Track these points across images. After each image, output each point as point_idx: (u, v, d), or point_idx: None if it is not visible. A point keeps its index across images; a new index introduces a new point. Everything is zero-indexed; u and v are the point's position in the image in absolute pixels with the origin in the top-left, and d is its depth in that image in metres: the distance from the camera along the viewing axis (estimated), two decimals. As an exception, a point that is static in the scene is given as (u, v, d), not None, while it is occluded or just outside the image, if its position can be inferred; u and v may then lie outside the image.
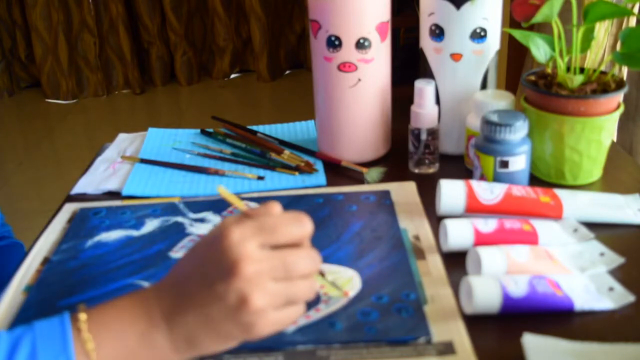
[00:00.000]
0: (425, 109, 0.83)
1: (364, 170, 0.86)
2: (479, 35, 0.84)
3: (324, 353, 0.56)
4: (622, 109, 0.79)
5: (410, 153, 0.87)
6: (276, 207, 0.51)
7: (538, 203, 0.72)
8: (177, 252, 0.72)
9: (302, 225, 0.50)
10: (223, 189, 0.53)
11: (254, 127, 1.02)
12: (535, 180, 0.82)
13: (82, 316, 0.49)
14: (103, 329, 0.49)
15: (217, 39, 3.42)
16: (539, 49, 0.79)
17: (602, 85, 0.78)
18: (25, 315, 0.63)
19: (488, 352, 0.56)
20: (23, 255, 0.74)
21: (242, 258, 0.47)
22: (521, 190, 0.73)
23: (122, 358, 0.49)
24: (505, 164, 0.75)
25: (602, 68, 0.80)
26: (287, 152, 0.92)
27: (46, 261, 0.72)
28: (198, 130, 1.02)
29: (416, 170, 0.87)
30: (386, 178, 0.85)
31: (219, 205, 0.80)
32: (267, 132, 1.00)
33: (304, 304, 0.51)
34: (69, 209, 0.83)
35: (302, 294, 0.49)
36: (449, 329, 0.58)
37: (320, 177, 0.87)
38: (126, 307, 0.51)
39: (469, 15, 0.82)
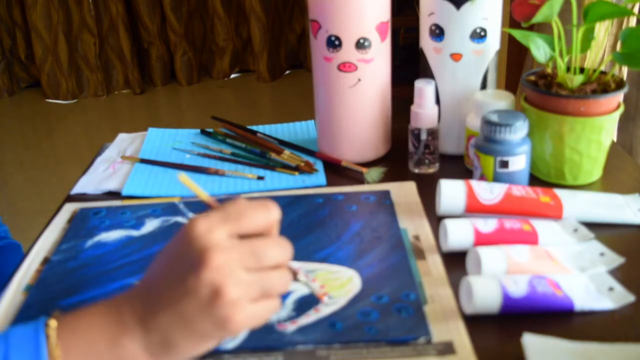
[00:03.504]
0: (425, 109, 0.83)
1: (364, 170, 0.86)
2: (479, 35, 0.84)
3: (324, 353, 0.56)
4: (622, 109, 0.79)
5: (410, 153, 0.87)
6: (242, 200, 0.49)
7: (538, 203, 0.72)
8: (177, 252, 0.72)
9: (269, 212, 0.49)
10: (185, 177, 0.52)
11: (254, 127, 1.02)
12: (535, 180, 0.82)
13: (52, 323, 0.49)
14: (72, 336, 0.48)
15: (217, 39, 3.43)
16: (539, 49, 0.79)
17: (602, 85, 0.78)
18: (25, 315, 0.63)
19: (488, 352, 0.56)
20: (21, 255, 0.74)
21: (210, 247, 0.46)
22: (521, 190, 0.73)
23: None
24: (505, 164, 0.75)
25: (602, 68, 0.80)
26: (287, 152, 0.92)
27: (46, 261, 0.72)
28: (198, 130, 1.02)
29: (416, 170, 0.87)
30: (386, 178, 0.85)
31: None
32: (267, 132, 1.00)
33: (279, 297, 0.49)
34: (69, 208, 0.83)
35: (276, 285, 0.48)
36: (449, 329, 0.58)
37: (320, 177, 0.87)
38: (97, 314, 0.50)
39: (469, 15, 0.82)
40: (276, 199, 0.81)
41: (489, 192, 0.73)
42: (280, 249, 0.49)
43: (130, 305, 0.49)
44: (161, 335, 0.48)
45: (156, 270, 0.50)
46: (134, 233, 0.76)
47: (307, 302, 0.62)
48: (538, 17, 0.75)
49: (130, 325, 0.48)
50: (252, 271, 0.47)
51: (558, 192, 0.75)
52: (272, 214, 0.49)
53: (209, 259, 0.45)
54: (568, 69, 0.80)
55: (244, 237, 0.48)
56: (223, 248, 0.46)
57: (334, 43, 0.83)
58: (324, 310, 0.61)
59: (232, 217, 0.47)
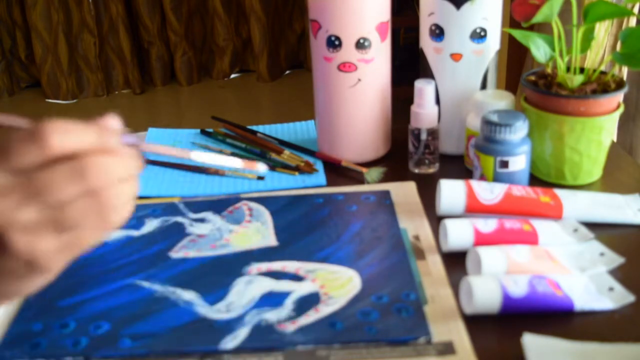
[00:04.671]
0: (425, 109, 0.83)
1: (364, 170, 0.86)
2: (479, 35, 0.84)
3: (324, 353, 0.56)
4: (622, 109, 0.79)
5: (410, 153, 0.87)
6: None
7: (538, 203, 0.72)
8: (177, 252, 0.72)
9: (44, 148, 0.39)
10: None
11: (254, 127, 1.02)
12: (535, 180, 0.82)
13: None
14: None
15: (217, 39, 3.42)
16: (539, 49, 0.79)
17: (602, 85, 0.78)
18: (25, 315, 0.63)
19: (488, 352, 0.56)
20: None
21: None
22: (521, 190, 0.73)
23: None
24: (505, 164, 0.75)
25: (602, 68, 0.80)
26: (287, 152, 0.92)
27: (46, 261, 0.72)
28: (198, 130, 1.02)
29: (416, 170, 0.87)
30: (386, 178, 0.85)
31: (219, 205, 0.80)
32: (267, 132, 1.00)
33: (90, 227, 0.42)
34: (68, 209, 0.82)
35: (71, 218, 0.40)
36: (449, 329, 0.58)
37: (320, 177, 0.87)
38: None
39: (469, 15, 0.82)
40: (276, 198, 0.81)
41: (489, 192, 0.73)
42: (68, 177, 0.40)
43: None
44: None
45: None
46: (134, 233, 0.76)
47: (307, 302, 0.62)
48: (538, 17, 0.75)
49: None
50: (56, 231, 0.41)
51: (558, 192, 0.75)
52: (49, 149, 0.40)
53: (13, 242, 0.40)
54: (568, 69, 0.80)
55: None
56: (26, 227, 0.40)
57: (334, 43, 0.83)
58: (324, 310, 0.61)
59: (31, 192, 0.40)
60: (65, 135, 0.40)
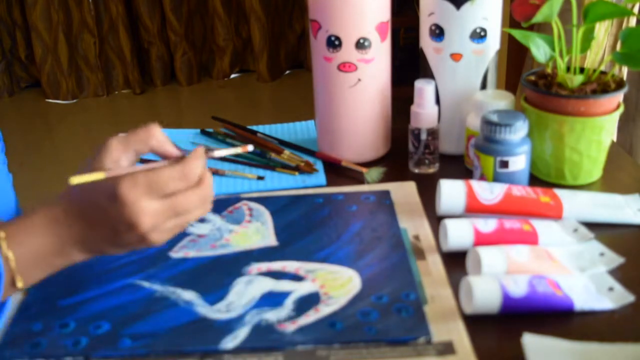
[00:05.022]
0: (425, 109, 0.83)
1: (364, 170, 0.86)
2: (479, 35, 0.84)
3: (324, 353, 0.56)
4: (622, 109, 0.79)
5: (410, 153, 0.87)
6: (167, 170, 0.59)
7: (538, 203, 0.72)
8: (177, 252, 0.72)
9: (187, 180, 0.59)
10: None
11: (254, 127, 1.02)
12: (535, 180, 0.82)
13: (2, 234, 0.57)
14: (19, 247, 0.58)
15: (217, 39, 3.42)
16: (539, 49, 0.79)
17: (602, 85, 0.78)
18: (25, 315, 0.63)
19: (488, 352, 0.56)
20: None
21: (139, 215, 0.57)
22: (521, 190, 0.73)
23: (38, 265, 0.59)
24: (505, 164, 0.75)
25: (602, 68, 0.80)
26: (287, 152, 0.92)
27: (46, 261, 0.72)
28: (198, 130, 1.02)
29: (416, 170, 0.87)
30: (386, 178, 0.85)
31: (219, 205, 0.80)
32: (267, 132, 1.00)
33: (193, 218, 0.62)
34: (69, 208, 0.83)
35: (191, 220, 0.61)
36: (449, 329, 0.58)
37: (320, 177, 0.87)
38: (39, 226, 0.59)
39: (469, 15, 0.82)
40: (276, 199, 0.81)
41: (489, 192, 0.73)
42: (201, 206, 0.61)
43: (68, 227, 0.59)
44: (94, 248, 0.60)
45: (91, 210, 0.59)
46: (134, 233, 0.76)
47: (307, 302, 0.62)
48: (538, 17, 0.75)
49: (66, 239, 0.59)
50: (173, 218, 0.59)
51: (558, 192, 0.75)
52: (190, 182, 0.59)
53: (140, 223, 0.57)
54: (568, 69, 0.80)
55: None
56: (150, 214, 0.57)
57: (334, 43, 0.83)
58: (324, 310, 0.61)
59: (154, 187, 0.57)
60: (197, 170, 0.60)
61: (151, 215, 0.57)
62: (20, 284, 0.58)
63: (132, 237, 0.58)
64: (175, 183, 0.58)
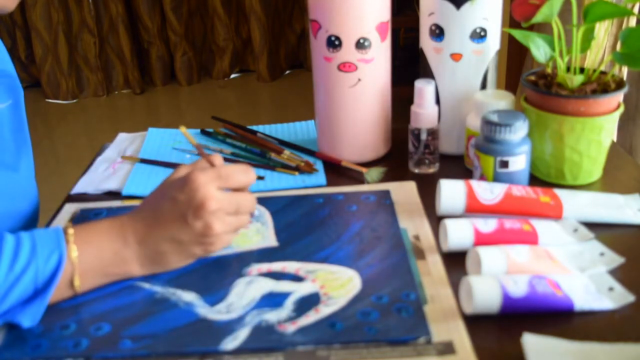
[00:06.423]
0: (425, 109, 0.83)
1: (364, 170, 0.86)
2: (479, 35, 0.84)
3: (324, 353, 0.56)
4: (622, 109, 0.79)
5: (410, 153, 0.87)
6: (218, 158, 0.69)
7: (538, 203, 0.72)
8: (177, 253, 0.72)
9: (248, 175, 0.67)
10: (184, 129, 0.70)
11: (254, 127, 1.02)
12: (535, 180, 0.82)
13: (70, 230, 0.63)
14: (84, 244, 0.63)
15: (217, 39, 3.42)
16: (539, 49, 0.79)
17: (602, 85, 0.78)
18: (25, 316, 0.63)
19: (488, 352, 0.56)
20: None
21: (208, 197, 0.63)
22: (521, 190, 0.73)
23: (96, 270, 0.64)
24: (505, 164, 0.75)
25: (602, 68, 0.80)
26: (287, 152, 0.92)
27: (46, 261, 0.72)
28: (198, 130, 1.02)
29: (416, 170, 0.87)
30: (386, 178, 0.85)
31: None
32: (267, 132, 1.00)
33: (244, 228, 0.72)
34: (69, 209, 0.83)
35: (244, 224, 0.68)
36: (449, 329, 0.58)
37: (320, 177, 0.87)
38: (104, 230, 0.65)
39: (469, 15, 0.82)
40: (276, 199, 0.81)
41: (489, 192, 0.73)
42: (251, 201, 0.68)
43: (133, 226, 0.65)
44: (155, 250, 0.65)
45: (158, 204, 0.66)
46: (134, 233, 0.76)
47: (307, 303, 0.62)
48: (538, 17, 0.75)
49: (130, 241, 0.65)
50: (232, 215, 0.66)
51: (558, 192, 0.75)
52: (250, 178, 0.68)
53: (207, 205, 0.63)
54: (568, 69, 0.80)
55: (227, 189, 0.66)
56: (217, 199, 0.64)
57: (334, 43, 0.83)
58: (324, 310, 0.61)
59: (222, 176, 0.65)
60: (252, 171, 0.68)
61: (217, 200, 0.63)
62: (77, 282, 0.62)
63: (197, 226, 0.63)
64: (238, 176, 0.66)
